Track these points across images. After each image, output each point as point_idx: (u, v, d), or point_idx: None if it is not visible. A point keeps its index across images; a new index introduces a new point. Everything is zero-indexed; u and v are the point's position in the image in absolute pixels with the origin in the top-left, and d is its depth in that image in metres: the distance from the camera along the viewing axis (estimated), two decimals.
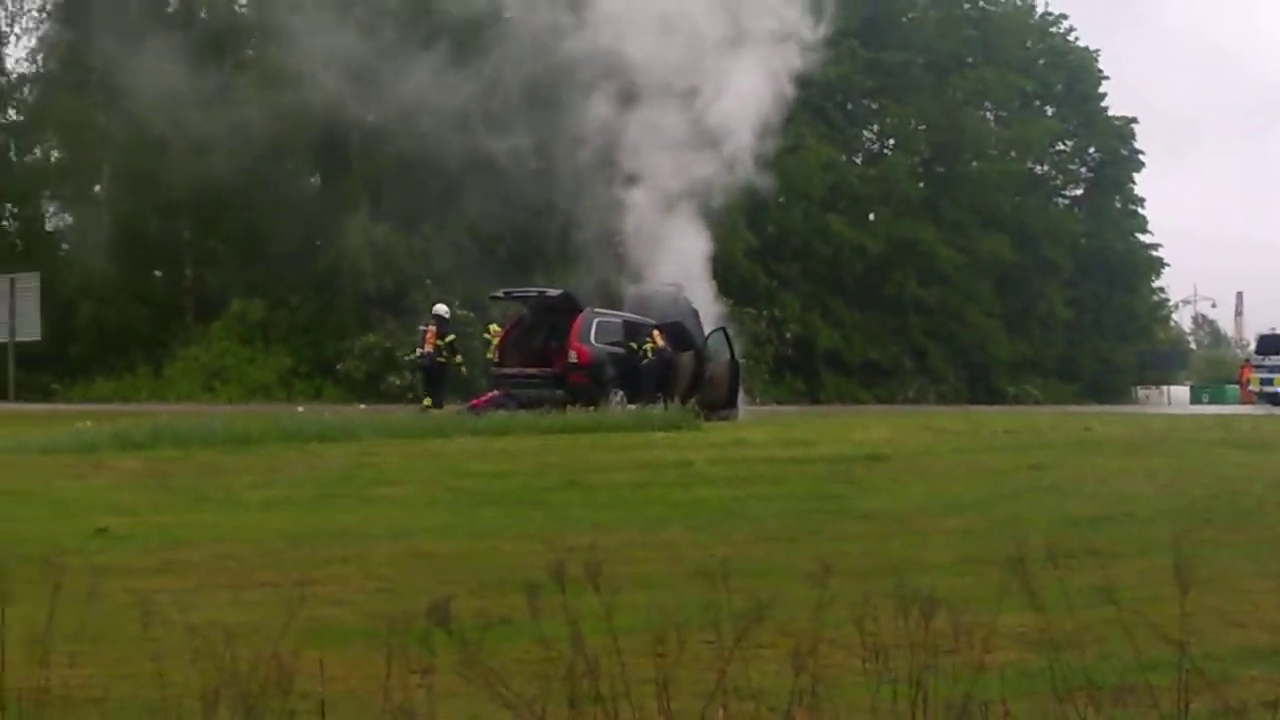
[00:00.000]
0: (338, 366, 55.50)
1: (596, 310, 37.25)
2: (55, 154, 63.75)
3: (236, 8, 63.93)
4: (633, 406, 32.93)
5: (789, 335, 61.02)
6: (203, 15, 61.77)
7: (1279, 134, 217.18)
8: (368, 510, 15.88)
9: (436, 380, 36.10)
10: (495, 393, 34.66)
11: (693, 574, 9.29)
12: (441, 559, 12.52)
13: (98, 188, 61.65)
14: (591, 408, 30.95)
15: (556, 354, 35.02)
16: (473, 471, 19.70)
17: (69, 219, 64.42)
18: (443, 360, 35.37)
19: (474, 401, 35.04)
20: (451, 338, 35.93)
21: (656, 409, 31.26)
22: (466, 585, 10.59)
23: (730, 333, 39.08)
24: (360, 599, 10.43)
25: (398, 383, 53.39)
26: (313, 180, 61.49)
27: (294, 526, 14.32)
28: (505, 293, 38.73)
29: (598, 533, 13.60)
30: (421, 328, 35.89)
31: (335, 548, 12.97)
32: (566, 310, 35.96)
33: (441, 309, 36.13)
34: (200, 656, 5.03)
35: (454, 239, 58.51)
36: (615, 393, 34.73)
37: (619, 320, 37.07)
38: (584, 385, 33.87)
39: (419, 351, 35.63)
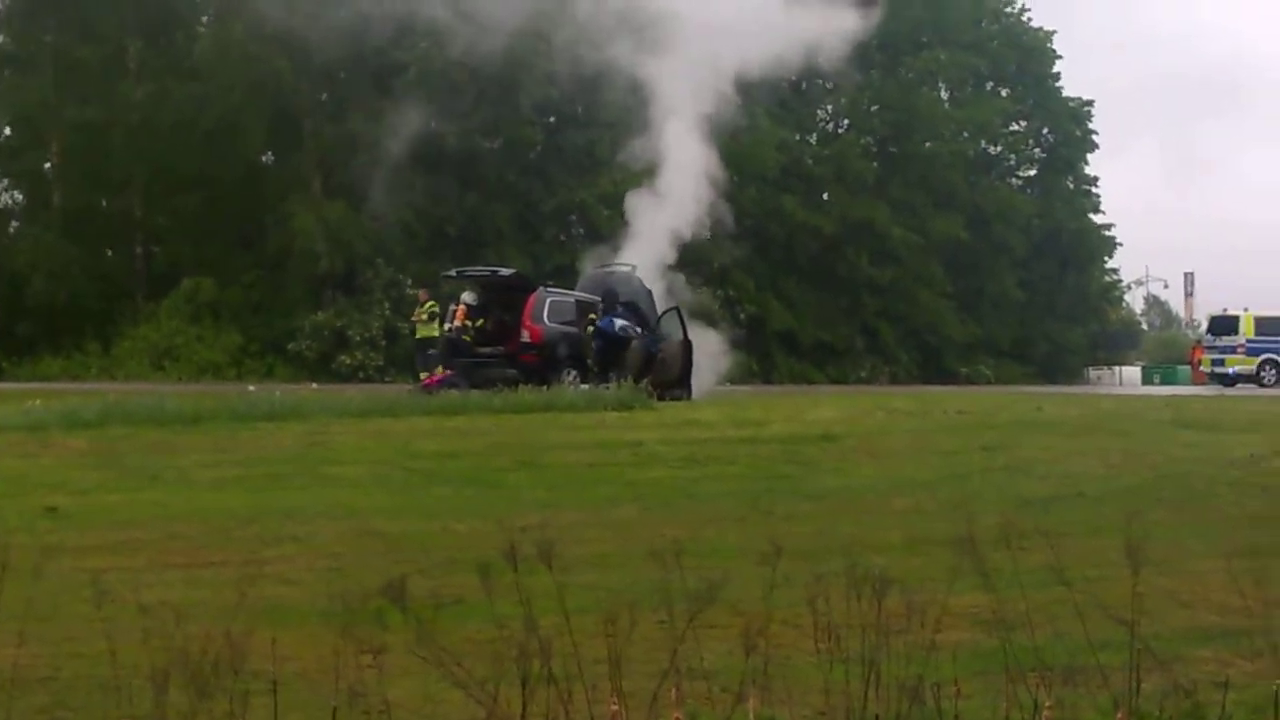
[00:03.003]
0: (289, 345, 55.32)
1: (549, 289, 37.21)
2: (7, 131, 63.36)
3: None
4: (585, 386, 32.89)
5: (742, 316, 61.03)
6: None
7: (1232, 114, 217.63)
8: (319, 490, 15.82)
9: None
10: (448, 372, 34.59)
11: (645, 554, 9.28)
12: (393, 538, 12.49)
13: (47, 165, 61.27)
14: (544, 387, 30.90)
15: (510, 333, 34.91)
16: (425, 451, 19.65)
17: (19, 196, 64.06)
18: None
19: (426, 380, 34.96)
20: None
21: (609, 389, 31.18)
22: (419, 565, 10.59)
23: (683, 313, 38.99)
24: (311, 578, 10.41)
25: (349, 362, 53.33)
26: (265, 158, 61.20)
27: (245, 506, 14.26)
28: (458, 272, 38.56)
29: (550, 512, 13.60)
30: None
31: (286, 527, 12.93)
32: (519, 289, 35.89)
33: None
34: (151, 635, 5.01)
35: (405, 218, 58.45)
36: (568, 372, 34.69)
37: (571, 300, 37.05)
38: (537, 364, 33.81)
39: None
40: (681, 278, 45.22)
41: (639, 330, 35.36)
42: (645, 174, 46.04)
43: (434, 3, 51.21)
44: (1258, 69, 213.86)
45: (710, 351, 41.06)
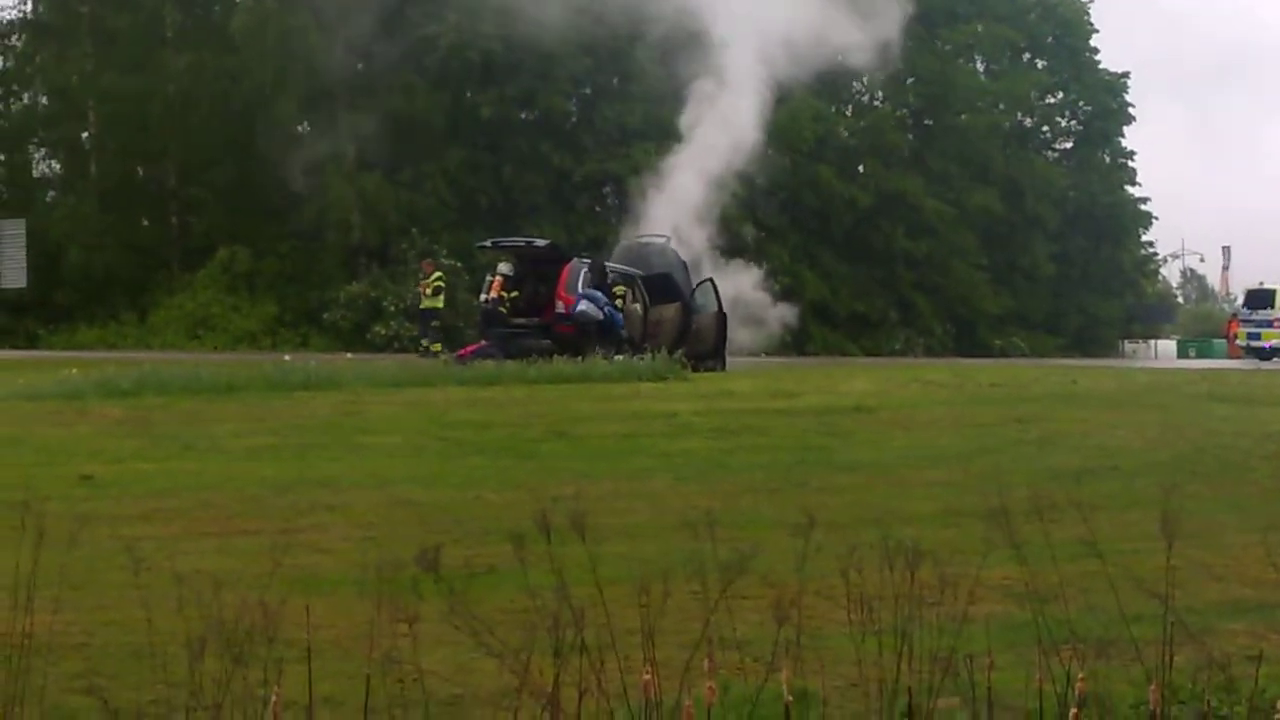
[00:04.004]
0: (324, 315, 55.43)
1: (583, 260, 37.21)
2: (44, 100, 63.45)
3: None
4: (619, 357, 32.86)
5: (777, 287, 61.13)
6: None
7: (1272, 86, 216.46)
8: (353, 459, 15.86)
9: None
10: (483, 342, 34.61)
11: (678, 524, 9.31)
12: (427, 508, 12.51)
13: (85, 135, 61.40)
14: (579, 358, 30.90)
15: (544, 304, 34.87)
16: (459, 421, 19.69)
17: (56, 166, 64.23)
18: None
19: (461, 351, 34.99)
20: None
21: (644, 359, 31.15)
22: (452, 534, 10.61)
23: (717, 284, 39.00)
24: (345, 547, 10.44)
25: (383, 332, 53.42)
26: (300, 129, 61.29)
27: (279, 475, 14.30)
28: (493, 243, 38.54)
29: (583, 483, 13.60)
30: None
31: (320, 496, 12.97)
32: (553, 260, 35.87)
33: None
34: (185, 604, 5.02)
35: (439, 189, 58.53)
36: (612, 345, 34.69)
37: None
38: (571, 335, 33.79)
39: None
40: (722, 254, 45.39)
41: (607, 308, 34.79)
42: (679, 140, 46.16)
43: None
44: None
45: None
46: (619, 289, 35.31)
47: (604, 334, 33.69)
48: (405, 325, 52.31)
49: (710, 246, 46.12)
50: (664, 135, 50.68)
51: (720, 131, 45.68)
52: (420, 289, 42.54)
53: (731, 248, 50.89)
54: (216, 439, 17.28)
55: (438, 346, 40.65)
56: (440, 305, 42.26)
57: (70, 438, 17.20)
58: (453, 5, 56.68)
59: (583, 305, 34.18)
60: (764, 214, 62.15)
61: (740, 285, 45.77)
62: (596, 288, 34.77)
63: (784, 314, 52.20)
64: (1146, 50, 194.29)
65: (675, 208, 44.59)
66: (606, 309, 34.35)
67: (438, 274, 42.49)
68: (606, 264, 36.95)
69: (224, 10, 60.52)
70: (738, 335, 43.50)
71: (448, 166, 59.11)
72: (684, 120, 47.57)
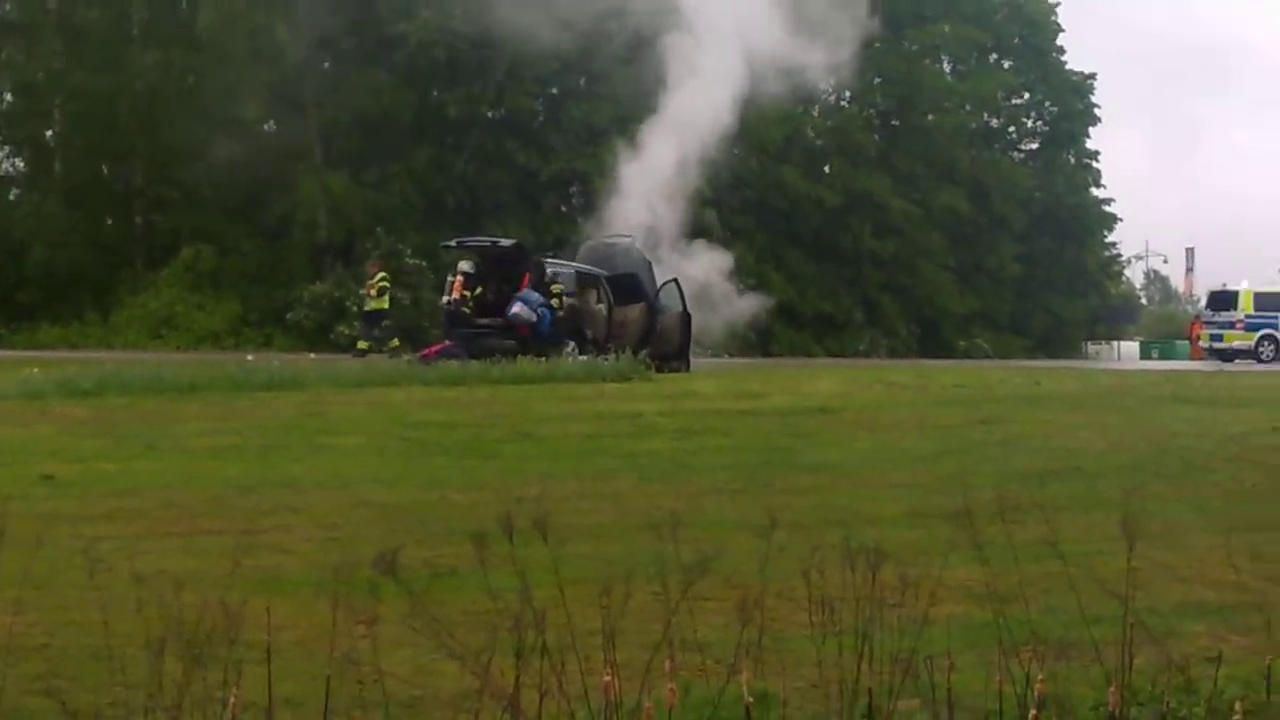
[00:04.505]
0: (288, 315, 55.29)
1: (548, 260, 37.23)
2: (9, 97, 63.18)
3: None
4: (584, 358, 32.88)
5: (742, 287, 61.18)
6: None
7: (1233, 89, 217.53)
8: (316, 459, 15.83)
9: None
10: (446, 343, 34.61)
11: (641, 525, 9.30)
12: (389, 509, 12.50)
13: (50, 132, 61.16)
14: (543, 359, 30.91)
15: (509, 304, 34.85)
16: (422, 421, 19.68)
17: (20, 164, 63.93)
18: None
19: (425, 351, 34.98)
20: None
21: (608, 360, 31.17)
22: (414, 535, 10.61)
23: (682, 284, 39.05)
24: (307, 548, 10.42)
25: (347, 332, 53.36)
26: (266, 127, 61.12)
27: (241, 475, 14.27)
28: (458, 242, 38.53)
29: (547, 483, 13.60)
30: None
31: (283, 496, 12.94)
32: (518, 260, 35.88)
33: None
34: (146, 604, 5.01)
35: (404, 188, 58.54)
36: (567, 343, 34.70)
37: (570, 271, 37.08)
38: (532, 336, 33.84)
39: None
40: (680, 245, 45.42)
41: (541, 309, 34.64)
42: (641, 141, 46.27)
43: None
44: (1253, 43, 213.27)
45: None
46: (556, 288, 35.10)
47: (537, 336, 33.59)
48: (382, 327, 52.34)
49: (675, 230, 46.23)
50: (630, 134, 50.67)
51: (687, 119, 45.80)
52: (365, 290, 42.69)
53: (695, 231, 50.70)
54: (179, 439, 17.24)
55: (395, 342, 40.88)
56: (386, 306, 42.50)
57: (31, 437, 17.14)
58: (425, 2, 56.72)
59: (516, 308, 34.18)
60: (729, 212, 62.13)
61: (703, 269, 45.82)
62: (534, 288, 34.74)
63: (752, 305, 52.20)
64: (1112, 51, 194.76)
65: (634, 200, 44.69)
66: (540, 309, 34.26)
67: (382, 275, 42.70)
68: (549, 261, 36.91)
69: (191, 8, 60.25)
70: (706, 321, 43.79)
71: (414, 165, 59.07)
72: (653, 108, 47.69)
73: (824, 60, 51.11)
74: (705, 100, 45.45)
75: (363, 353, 40.19)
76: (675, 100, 46.07)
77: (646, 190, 45.21)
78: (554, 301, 34.69)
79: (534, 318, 33.98)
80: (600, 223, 46.61)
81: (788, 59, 47.50)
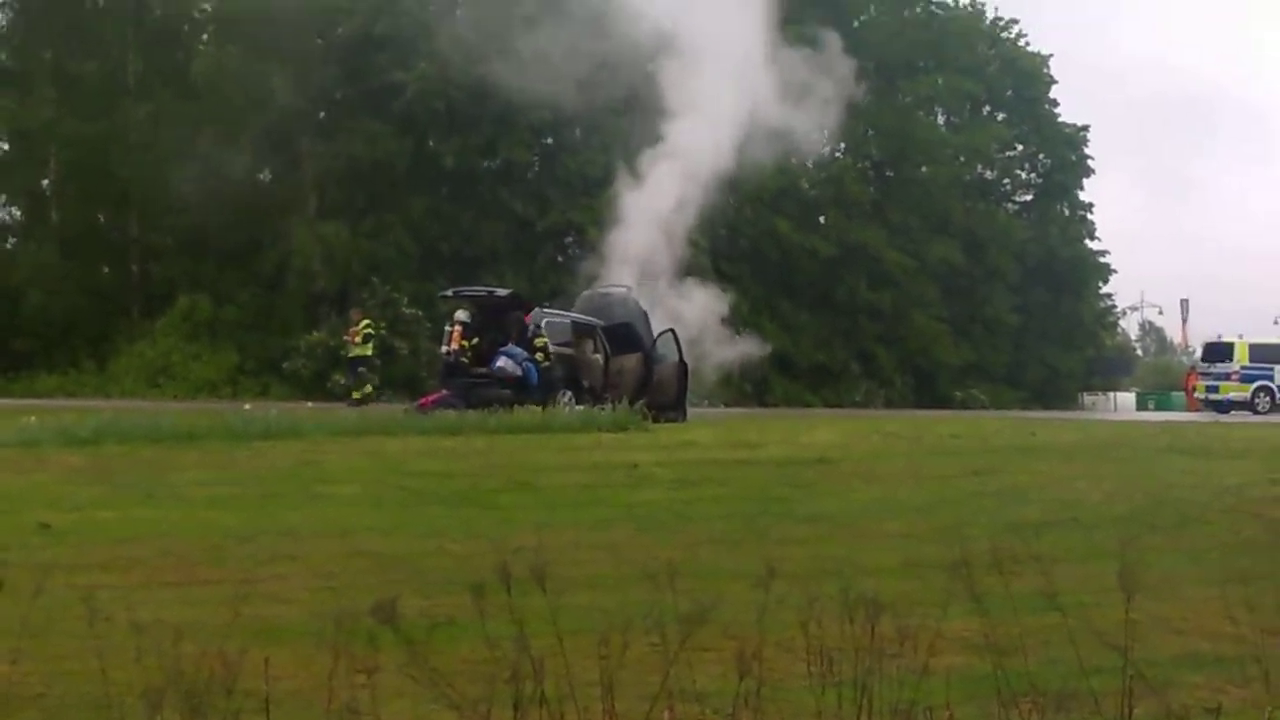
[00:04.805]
0: (284, 364, 55.31)
1: (545, 309, 37.25)
2: (4, 146, 63.29)
3: (195, 11, 63.61)
4: (580, 407, 32.87)
5: (738, 332, 61.19)
6: (157, 13, 61.36)
7: (1226, 141, 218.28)
8: (313, 508, 15.81)
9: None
10: (443, 392, 34.60)
11: (638, 576, 9.29)
12: (387, 558, 12.49)
13: (45, 181, 61.26)
14: (540, 408, 30.92)
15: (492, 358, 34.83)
16: (419, 471, 19.65)
17: (17, 213, 64.00)
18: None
19: (422, 401, 34.97)
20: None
21: (605, 410, 31.16)
22: (412, 585, 10.59)
23: (679, 334, 39.05)
24: (305, 597, 10.41)
25: (343, 381, 53.37)
26: (261, 176, 61.26)
27: (239, 524, 14.25)
28: (454, 291, 38.58)
29: (544, 533, 13.56)
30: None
31: (281, 545, 12.93)
32: (515, 309, 35.90)
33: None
34: (144, 654, 5.00)
35: (400, 237, 58.64)
36: (563, 393, 34.69)
37: (567, 320, 37.09)
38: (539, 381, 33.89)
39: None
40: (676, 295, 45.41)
41: (525, 363, 34.61)
42: (633, 194, 46.34)
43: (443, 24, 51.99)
44: (1238, 96, 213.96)
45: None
46: (539, 341, 35.01)
47: (522, 390, 33.54)
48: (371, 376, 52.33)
49: (671, 268, 46.26)
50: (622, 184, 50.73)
51: (686, 155, 45.90)
52: (349, 337, 42.80)
53: (690, 272, 50.65)
54: (177, 488, 17.22)
55: (369, 389, 41.02)
56: (369, 353, 42.72)
57: (28, 486, 17.11)
58: (424, 53, 56.90)
59: (500, 361, 34.20)
60: (723, 260, 62.18)
61: (698, 309, 45.80)
62: (518, 342, 34.76)
63: (747, 349, 52.12)
64: (1106, 102, 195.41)
65: (633, 256, 44.72)
66: (525, 364, 34.26)
67: (366, 321, 42.90)
68: (546, 311, 36.95)
69: (186, 57, 60.49)
70: (702, 364, 43.86)
71: (410, 214, 59.21)
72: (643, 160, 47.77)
73: (809, 125, 51.31)
74: (704, 138, 45.51)
75: (358, 402, 40.26)
76: (676, 130, 46.13)
77: (646, 220, 45.27)
78: (538, 355, 34.61)
79: (519, 372, 33.97)
80: (600, 257, 46.66)
81: (775, 123, 47.62)
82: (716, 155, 45.77)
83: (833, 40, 52.91)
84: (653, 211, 45.31)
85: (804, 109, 48.95)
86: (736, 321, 54.51)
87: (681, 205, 46.23)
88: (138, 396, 49.60)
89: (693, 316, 44.11)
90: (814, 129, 53.62)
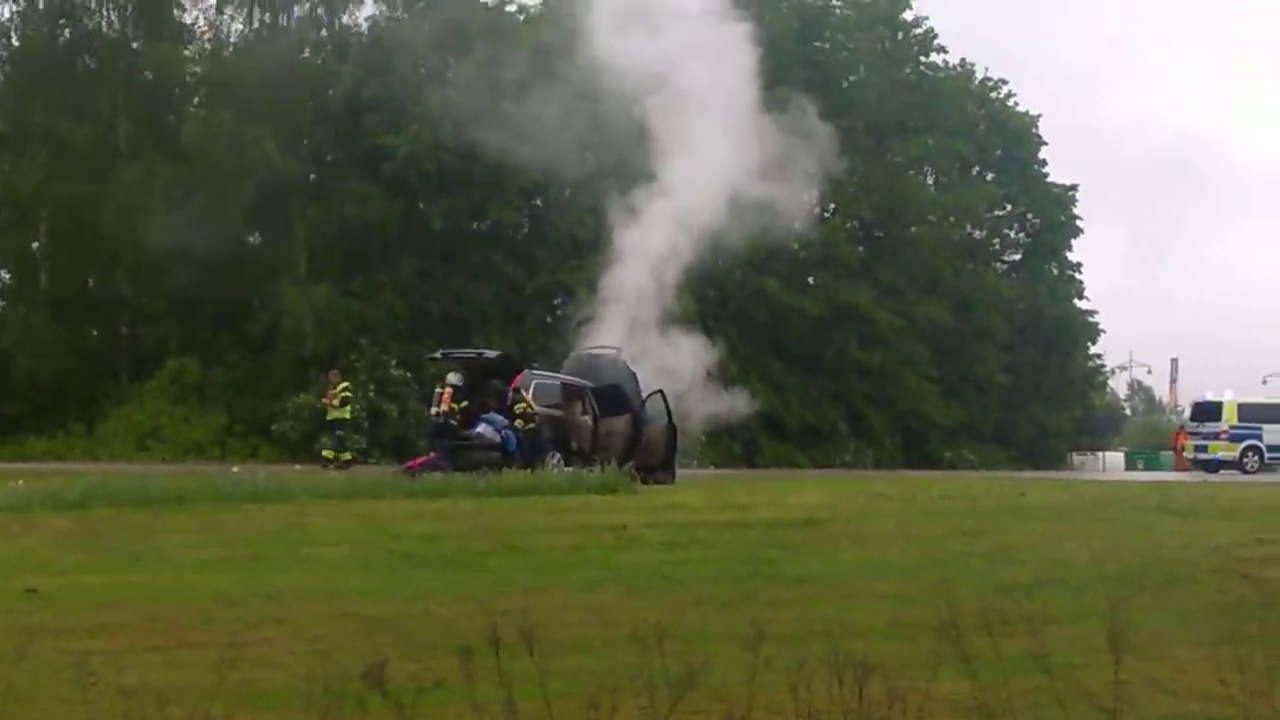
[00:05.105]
0: (273, 427, 55.21)
1: (534, 371, 37.30)
2: None
3: (186, 75, 63.79)
4: (569, 469, 32.85)
5: (727, 386, 61.14)
6: (148, 76, 61.54)
7: (1213, 200, 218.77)
8: (301, 571, 15.79)
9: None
10: (431, 454, 34.60)
11: (627, 638, 9.26)
12: (375, 621, 12.46)
13: (35, 244, 61.23)
14: (528, 470, 30.93)
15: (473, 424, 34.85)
16: (407, 533, 19.63)
17: (6, 276, 63.97)
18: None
19: (410, 463, 34.95)
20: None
21: (594, 471, 31.13)
22: (400, 648, 10.56)
23: (668, 396, 39.07)
24: (292, 661, 10.37)
25: (327, 443, 53.42)
26: (252, 239, 61.34)
27: (227, 587, 14.22)
28: (443, 353, 38.63)
29: (532, 596, 13.55)
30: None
31: (268, 609, 12.90)
32: (505, 371, 35.93)
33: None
34: (131, 718, 4.99)
35: (389, 299, 58.67)
36: (552, 455, 34.70)
37: (556, 382, 37.14)
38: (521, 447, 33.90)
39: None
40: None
41: (505, 430, 34.63)
42: (622, 258, 46.36)
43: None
44: (1224, 155, 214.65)
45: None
46: (519, 407, 34.95)
47: (505, 456, 33.53)
48: (354, 437, 52.23)
49: (658, 315, 46.20)
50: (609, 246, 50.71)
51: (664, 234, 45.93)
52: (327, 400, 42.75)
53: (679, 322, 50.52)
54: (164, 551, 17.19)
55: (347, 456, 41.04)
56: (347, 415, 42.70)
57: (15, 550, 17.09)
58: (415, 116, 57.06)
59: (480, 428, 34.28)
60: (712, 321, 62.13)
61: (686, 359, 45.72)
62: (498, 410, 34.80)
63: (736, 403, 51.91)
64: (1094, 163, 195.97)
65: (620, 317, 44.68)
66: (504, 431, 34.27)
67: (344, 384, 42.92)
68: (534, 373, 37.11)
69: (177, 119, 60.64)
70: (689, 420, 43.85)
71: (399, 276, 59.20)
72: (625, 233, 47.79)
73: (791, 198, 51.46)
74: (696, 184, 45.49)
75: (346, 464, 40.26)
76: (669, 171, 46.14)
77: (638, 256, 45.27)
78: (518, 422, 34.59)
79: (498, 439, 34.01)
80: (593, 297, 46.81)
81: (758, 194, 47.67)
82: (707, 206, 45.70)
83: (812, 111, 52.89)
84: (645, 250, 45.29)
85: (786, 180, 49.05)
86: (725, 376, 54.41)
87: (673, 252, 46.15)
88: (126, 459, 49.53)
89: (681, 367, 44.10)
90: (795, 201, 53.68)
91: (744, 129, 45.69)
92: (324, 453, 41.46)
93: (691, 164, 44.64)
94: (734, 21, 48.64)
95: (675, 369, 43.30)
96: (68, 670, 7.14)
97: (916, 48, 76.82)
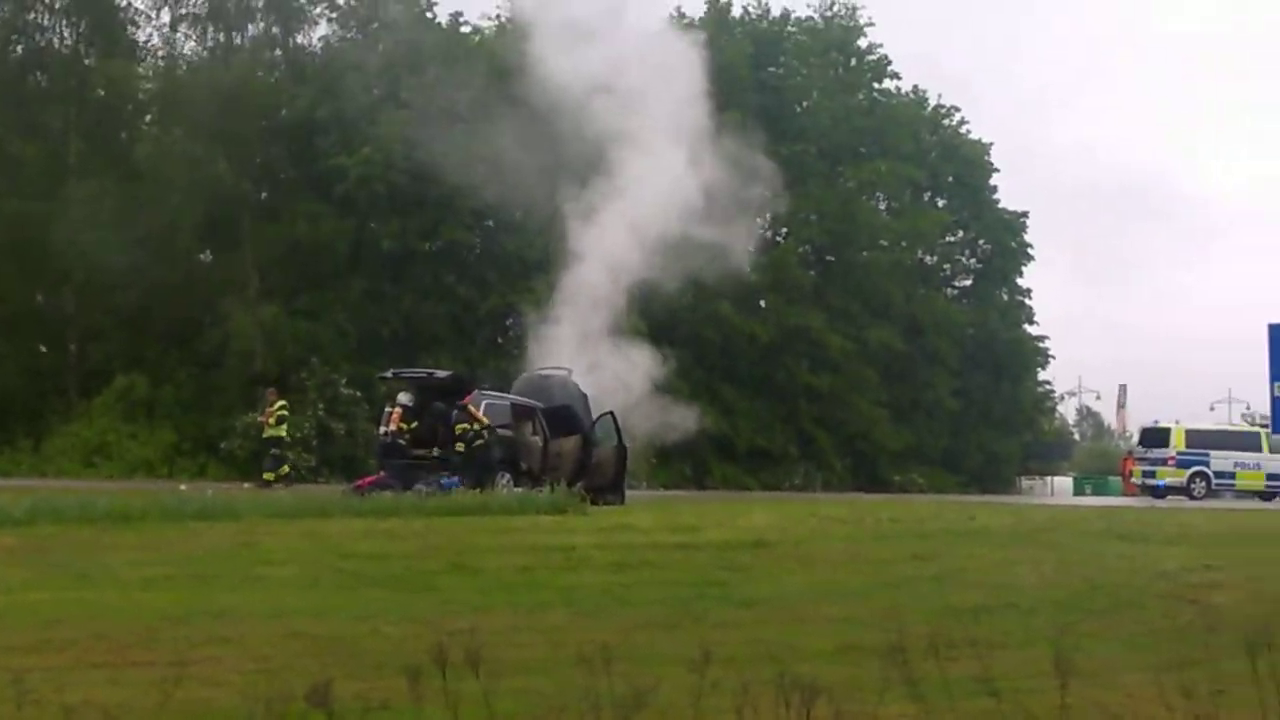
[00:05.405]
0: (221, 445, 54.99)
1: (484, 392, 37.27)
2: None
3: (138, 93, 63.56)
4: (519, 490, 32.83)
5: (675, 406, 61.12)
6: (100, 94, 61.30)
7: (1162, 230, 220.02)
8: (248, 590, 15.72)
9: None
10: (380, 474, 34.53)
11: (574, 659, 9.25)
12: (322, 640, 12.41)
13: None
14: (478, 490, 30.89)
15: (444, 436, 34.84)
16: (356, 553, 19.57)
17: None
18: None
19: (359, 482, 34.86)
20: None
21: (543, 492, 31.10)
22: (347, 668, 10.52)
23: (618, 417, 39.08)
24: (238, 679, 10.32)
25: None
26: (202, 257, 61.13)
27: (173, 605, 14.15)
28: (394, 373, 38.60)
29: (480, 616, 13.53)
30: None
31: (214, 627, 12.84)
32: (454, 392, 35.89)
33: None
34: None
35: (339, 319, 58.53)
36: (502, 475, 34.68)
37: (506, 403, 37.12)
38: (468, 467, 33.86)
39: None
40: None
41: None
42: (568, 278, 46.39)
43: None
44: (1174, 185, 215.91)
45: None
46: (460, 428, 34.89)
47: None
48: (302, 455, 51.93)
49: (609, 323, 46.16)
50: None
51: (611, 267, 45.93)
52: (264, 419, 42.63)
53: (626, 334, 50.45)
54: (111, 568, 17.09)
55: (285, 470, 40.96)
56: (283, 434, 42.52)
57: None
58: (367, 137, 57.04)
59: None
60: (665, 344, 62.13)
61: (635, 369, 45.68)
62: (444, 431, 34.81)
63: (684, 418, 51.80)
64: (1044, 190, 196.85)
65: (571, 338, 44.66)
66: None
67: (281, 403, 42.75)
68: (484, 393, 37.13)
69: (129, 138, 60.44)
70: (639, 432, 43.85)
71: (349, 296, 59.06)
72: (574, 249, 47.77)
73: (731, 242, 51.57)
74: (649, 192, 45.51)
75: (285, 478, 40.25)
76: (624, 174, 46.16)
77: (593, 255, 45.29)
78: (459, 445, 34.57)
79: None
80: (550, 290, 46.89)
81: (696, 238, 47.69)
82: (659, 215, 45.66)
83: (759, 144, 53.00)
84: (600, 250, 45.29)
85: (729, 219, 49.16)
86: (673, 389, 54.38)
87: (627, 257, 46.08)
88: (73, 476, 49.25)
89: (631, 378, 44.10)
90: (739, 239, 53.73)
91: (694, 151, 45.79)
92: (264, 474, 41.26)
93: (649, 162, 44.70)
94: (686, 44, 48.82)
95: (626, 381, 43.31)
96: (9, 688, 7.08)
97: (870, 74, 77.06)
